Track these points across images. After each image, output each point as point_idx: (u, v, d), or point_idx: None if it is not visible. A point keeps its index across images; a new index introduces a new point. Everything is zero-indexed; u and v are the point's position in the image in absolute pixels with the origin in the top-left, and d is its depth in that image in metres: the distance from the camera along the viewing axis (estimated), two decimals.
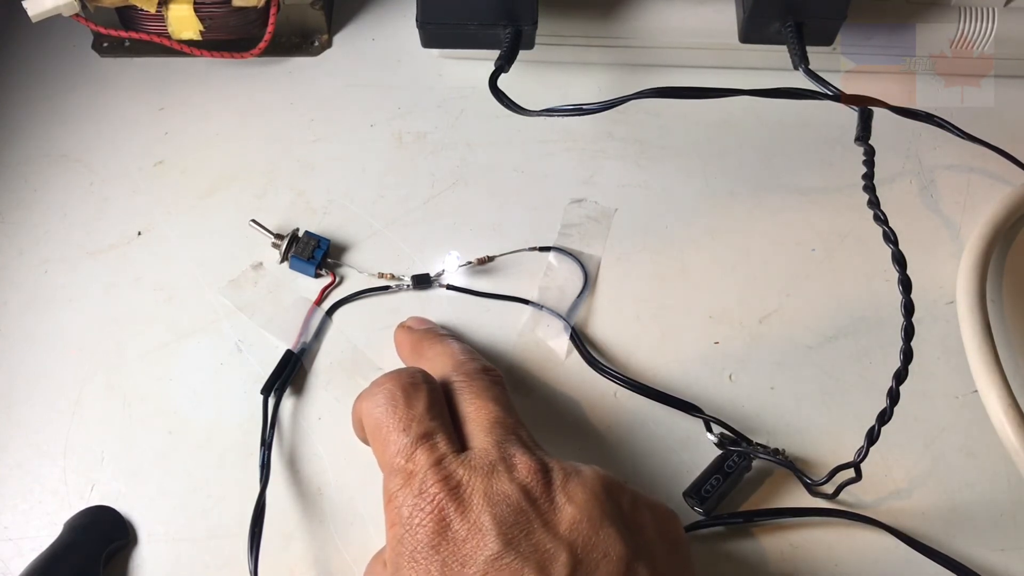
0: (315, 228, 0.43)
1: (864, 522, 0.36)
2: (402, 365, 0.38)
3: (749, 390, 0.39)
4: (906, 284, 0.34)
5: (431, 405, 0.30)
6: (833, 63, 0.46)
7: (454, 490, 0.28)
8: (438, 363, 0.34)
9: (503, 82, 0.42)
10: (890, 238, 0.35)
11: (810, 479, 0.36)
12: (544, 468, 0.29)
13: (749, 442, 0.38)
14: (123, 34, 0.47)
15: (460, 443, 0.30)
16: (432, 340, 0.37)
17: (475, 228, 0.44)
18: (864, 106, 0.39)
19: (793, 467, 0.37)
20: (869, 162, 0.39)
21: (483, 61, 0.44)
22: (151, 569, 0.36)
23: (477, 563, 0.26)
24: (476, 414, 0.31)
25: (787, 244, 0.43)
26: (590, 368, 0.40)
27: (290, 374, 0.39)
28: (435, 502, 0.28)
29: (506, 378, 0.34)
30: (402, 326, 0.39)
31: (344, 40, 0.51)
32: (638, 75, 0.48)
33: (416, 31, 0.43)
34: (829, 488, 0.36)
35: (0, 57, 0.50)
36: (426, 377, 0.32)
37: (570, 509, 0.28)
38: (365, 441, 0.32)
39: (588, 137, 0.47)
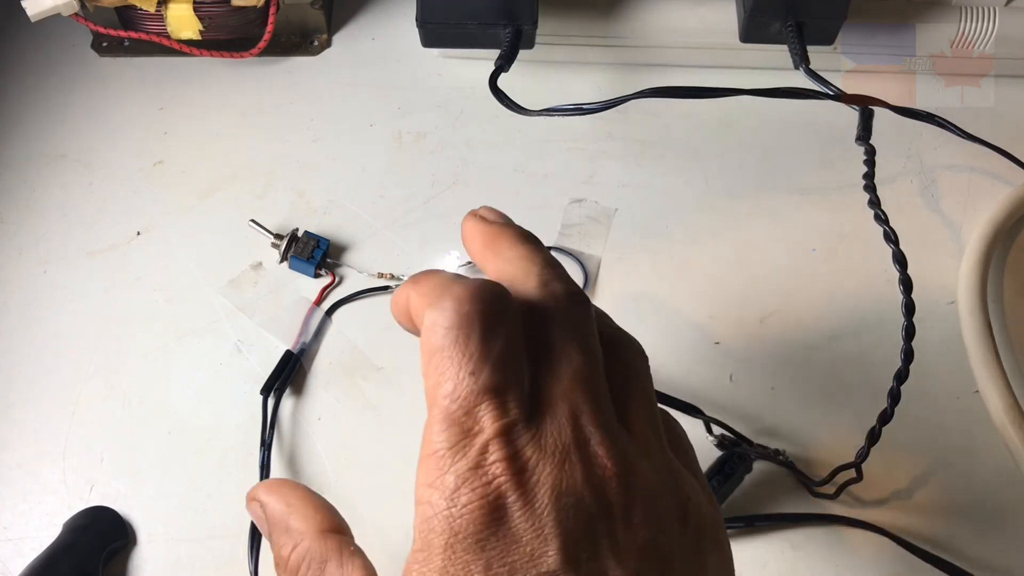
0: (315, 228, 0.43)
1: (865, 528, 0.36)
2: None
3: (749, 390, 0.39)
4: (907, 284, 0.34)
5: (511, 346, 0.23)
6: (834, 63, 0.46)
7: (519, 474, 0.22)
8: (520, 269, 0.26)
9: (503, 82, 0.42)
10: (891, 238, 0.35)
11: (811, 480, 0.36)
12: (625, 469, 0.23)
13: (750, 443, 0.37)
14: (122, 34, 0.47)
15: (531, 400, 0.23)
16: (514, 239, 0.28)
17: None
18: (865, 106, 0.39)
19: (794, 468, 0.37)
20: (870, 162, 0.39)
21: (483, 61, 0.44)
22: (151, 569, 0.36)
23: (528, 574, 0.21)
24: (555, 360, 0.24)
25: (787, 244, 0.43)
26: None
27: (290, 374, 0.39)
28: (494, 484, 0.21)
29: None
30: (473, 214, 0.31)
31: (344, 40, 0.50)
32: (638, 75, 0.48)
33: (416, 31, 0.43)
34: (830, 489, 0.36)
35: (0, 57, 0.50)
36: (510, 301, 0.24)
37: (643, 533, 0.22)
38: (406, 327, 0.26)
39: (588, 137, 0.46)
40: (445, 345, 0.23)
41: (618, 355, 0.26)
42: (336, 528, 0.27)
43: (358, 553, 0.26)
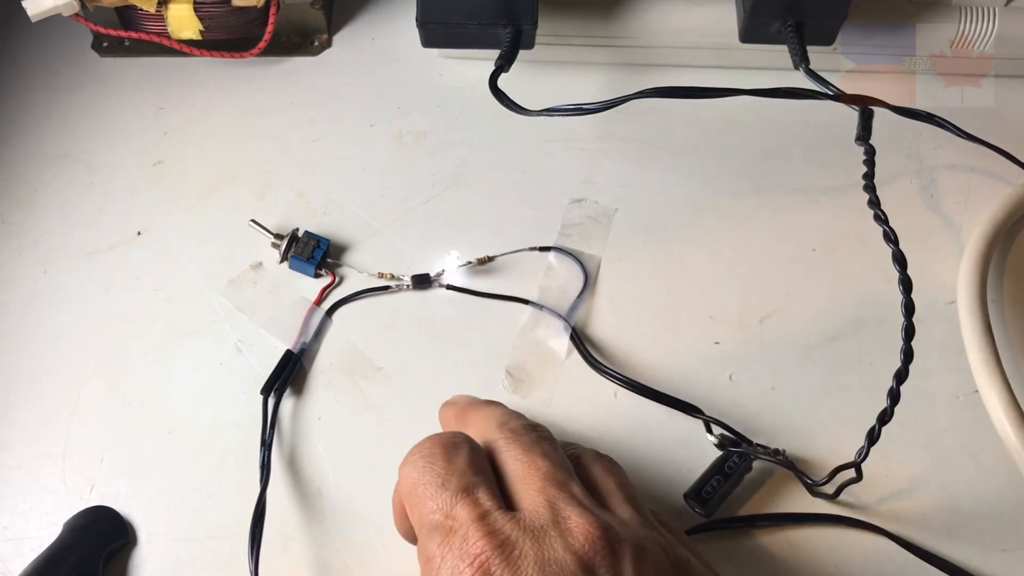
0: (315, 228, 0.43)
1: (865, 528, 0.36)
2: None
3: (749, 390, 0.39)
4: (906, 284, 0.34)
5: (472, 461, 0.27)
6: (833, 63, 0.46)
7: (501, 548, 0.24)
8: (482, 425, 0.31)
9: (503, 82, 0.42)
10: (890, 238, 0.35)
11: (811, 479, 0.36)
12: (608, 536, 0.25)
13: (749, 443, 0.37)
14: (123, 34, 0.47)
15: (506, 503, 0.26)
16: (476, 405, 0.33)
17: (475, 228, 0.44)
18: (864, 106, 0.39)
19: (794, 467, 0.37)
20: (869, 162, 0.39)
21: (483, 61, 0.44)
22: (151, 569, 0.36)
23: None
24: (523, 471, 0.27)
25: (787, 244, 0.43)
26: (590, 368, 0.40)
27: (290, 374, 0.39)
28: (479, 561, 0.24)
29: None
30: (445, 403, 0.36)
31: (344, 40, 0.50)
32: (638, 75, 0.48)
33: (416, 31, 0.43)
34: (830, 488, 0.36)
35: (0, 57, 0.50)
36: (466, 438, 0.28)
37: None
38: (407, 533, 0.30)
39: (588, 137, 0.47)
40: (416, 478, 0.27)
41: (590, 468, 0.29)
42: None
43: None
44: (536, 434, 0.29)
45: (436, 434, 0.29)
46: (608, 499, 0.28)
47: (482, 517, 0.25)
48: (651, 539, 0.26)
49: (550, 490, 0.26)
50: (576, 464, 0.29)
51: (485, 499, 0.26)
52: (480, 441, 0.29)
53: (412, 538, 0.28)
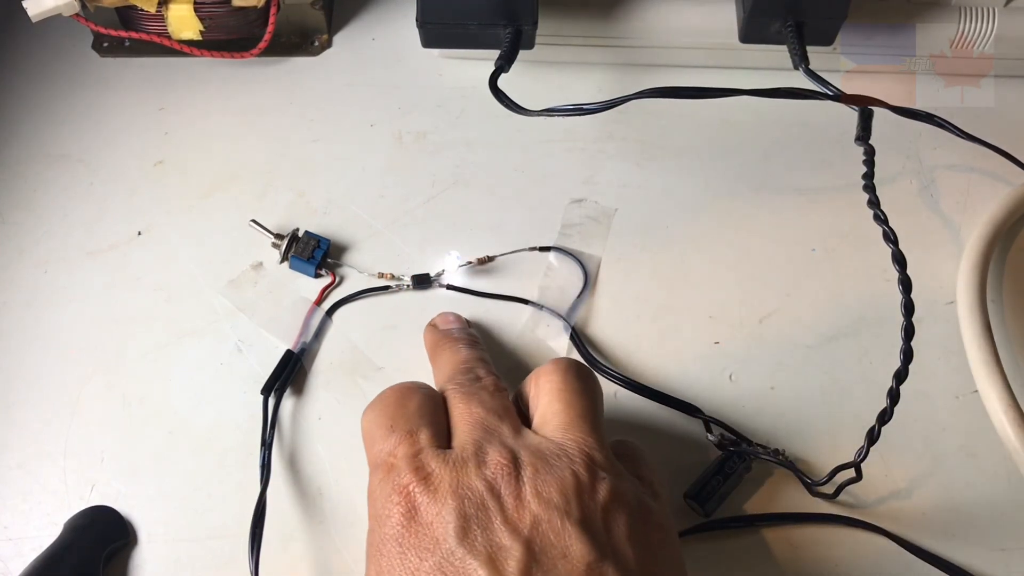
0: (315, 228, 0.43)
1: (865, 528, 0.36)
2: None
3: (749, 390, 0.39)
4: (906, 284, 0.34)
5: (420, 406, 0.31)
6: (833, 63, 0.46)
7: (423, 480, 0.28)
8: (444, 369, 0.35)
9: (503, 82, 0.42)
10: (890, 238, 0.35)
11: (810, 479, 0.36)
12: (515, 461, 0.28)
13: (749, 443, 0.37)
14: (123, 34, 0.47)
15: (447, 444, 0.30)
16: (444, 344, 0.37)
17: (475, 228, 0.44)
18: (864, 106, 0.39)
19: (793, 467, 0.37)
20: (869, 162, 0.39)
21: (483, 61, 0.44)
22: (151, 569, 0.36)
23: (435, 556, 0.26)
24: (460, 417, 0.31)
25: (787, 244, 0.43)
26: (590, 368, 0.39)
27: (290, 374, 0.39)
28: (404, 492, 0.28)
29: (506, 379, 0.34)
30: (431, 322, 0.39)
31: (344, 40, 0.51)
32: (638, 75, 0.48)
33: (416, 31, 0.43)
34: (829, 488, 0.36)
35: (0, 57, 0.50)
36: (422, 385, 0.32)
37: (534, 505, 0.27)
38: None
39: (588, 137, 0.47)
40: (370, 421, 0.31)
41: (541, 399, 0.32)
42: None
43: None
44: (478, 384, 0.32)
45: (394, 385, 0.32)
46: (543, 427, 0.31)
47: (416, 455, 0.29)
48: (558, 456, 0.29)
49: (478, 432, 0.30)
50: (525, 398, 0.33)
51: (423, 439, 0.29)
52: (438, 384, 0.34)
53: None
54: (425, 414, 0.31)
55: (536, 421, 0.31)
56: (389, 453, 0.29)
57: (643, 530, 0.28)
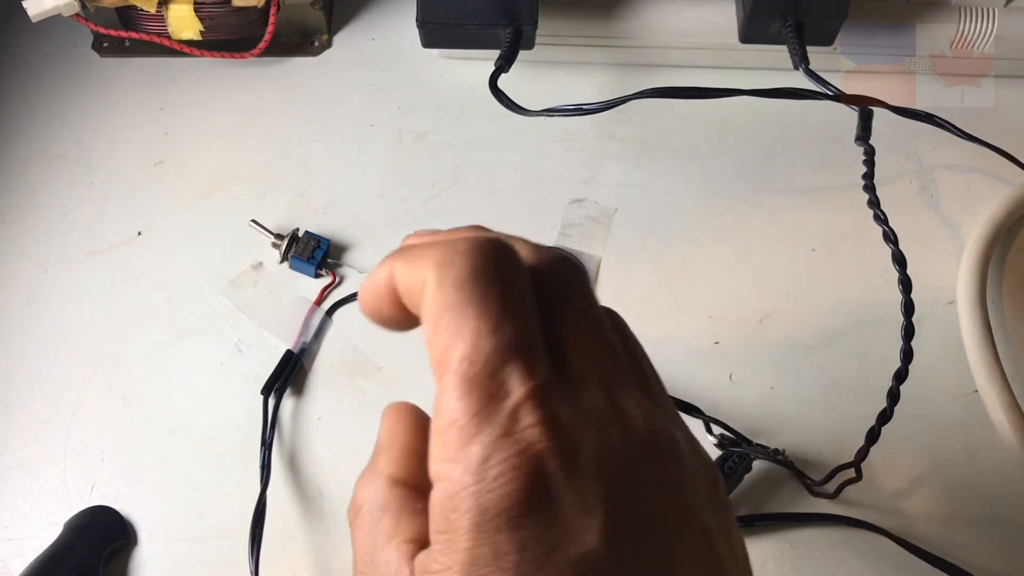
0: (315, 228, 0.43)
1: (865, 528, 0.36)
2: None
3: (749, 390, 0.39)
4: (906, 284, 0.34)
5: (529, 303, 0.20)
6: (833, 63, 0.46)
7: (559, 440, 0.18)
8: (528, 246, 0.22)
9: (503, 82, 0.42)
10: (890, 238, 0.35)
11: (811, 479, 0.36)
12: (666, 439, 0.20)
13: (749, 442, 0.37)
14: (123, 34, 0.47)
15: (556, 364, 0.20)
16: (459, 230, 0.23)
17: None
18: (864, 106, 0.39)
19: (793, 467, 0.37)
20: (869, 162, 0.39)
21: (483, 61, 0.44)
22: (151, 569, 0.36)
23: (567, 558, 0.18)
24: (577, 328, 0.21)
25: (787, 244, 0.43)
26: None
27: (290, 374, 0.39)
28: (532, 452, 0.18)
29: None
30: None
31: (344, 40, 0.50)
32: (638, 75, 0.48)
33: (416, 31, 0.43)
34: (830, 488, 0.36)
35: (0, 57, 0.50)
36: (521, 259, 0.21)
37: (706, 517, 0.20)
38: (386, 315, 0.22)
39: (588, 137, 0.47)
40: (458, 302, 0.19)
41: (622, 330, 0.24)
42: (411, 481, 0.23)
43: (421, 513, 0.21)
44: (579, 273, 0.22)
45: (488, 240, 0.20)
46: (650, 388, 0.23)
47: (539, 391, 0.19)
48: (688, 443, 0.21)
49: (604, 362, 0.21)
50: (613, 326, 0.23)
51: (542, 367, 0.19)
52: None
53: (386, 321, 0.22)
54: (533, 315, 0.20)
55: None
56: (491, 375, 0.19)
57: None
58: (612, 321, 0.23)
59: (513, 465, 0.18)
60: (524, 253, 0.21)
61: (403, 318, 0.21)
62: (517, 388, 0.18)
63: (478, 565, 0.18)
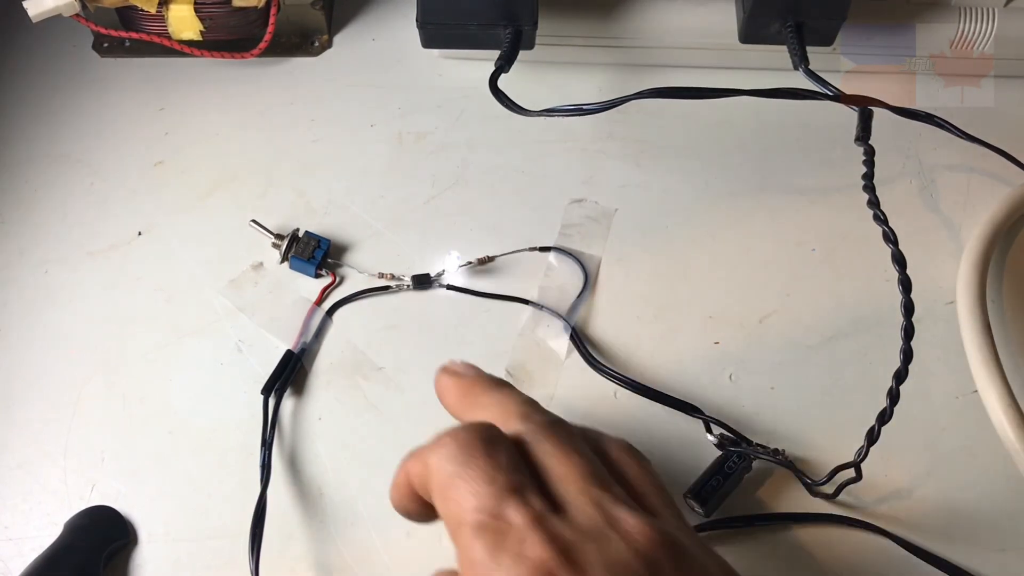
0: (315, 228, 0.43)
1: (865, 528, 0.36)
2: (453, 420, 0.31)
3: (749, 390, 0.39)
4: (906, 284, 0.34)
5: (514, 458, 0.25)
6: (833, 63, 0.46)
7: (565, 552, 0.22)
8: (499, 412, 0.28)
9: (503, 82, 0.42)
10: (890, 238, 0.35)
11: (810, 479, 0.36)
12: (667, 539, 0.23)
13: (749, 442, 0.38)
14: (123, 34, 0.47)
15: (549, 503, 0.24)
16: (488, 386, 0.30)
17: (475, 228, 0.44)
18: (864, 106, 0.39)
19: (793, 467, 0.37)
20: (869, 162, 0.39)
21: (483, 61, 0.44)
22: (151, 569, 0.36)
23: None
24: (561, 468, 0.25)
25: (787, 244, 0.43)
26: (590, 368, 0.40)
27: (290, 374, 0.39)
28: (544, 567, 0.22)
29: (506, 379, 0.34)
30: (445, 370, 0.31)
31: (344, 40, 0.51)
32: (638, 75, 0.48)
33: (416, 31, 0.43)
34: (829, 488, 0.36)
35: (0, 57, 0.50)
36: (502, 433, 0.26)
37: None
38: (414, 511, 0.27)
39: (588, 137, 0.47)
40: (455, 471, 0.24)
41: (621, 463, 0.27)
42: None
43: None
44: (566, 429, 0.27)
45: (469, 425, 0.26)
46: (645, 499, 0.26)
47: (538, 520, 0.23)
48: (695, 544, 0.24)
49: (593, 490, 0.24)
50: (603, 457, 0.27)
51: (535, 500, 0.23)
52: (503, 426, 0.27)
53: (413, 515, 0.27)
54: (522, 468, 0.25)
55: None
56: (495, 516, 0.23)
57: None
58: (621, 447, 0.28)
59: None
60: (514, 426, 0.26)
61: (427, 510, 0.26)
62: (519, 519, 0.23)
63: None
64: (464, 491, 0.24)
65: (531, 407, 0.28)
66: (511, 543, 0.22)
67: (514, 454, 0.25)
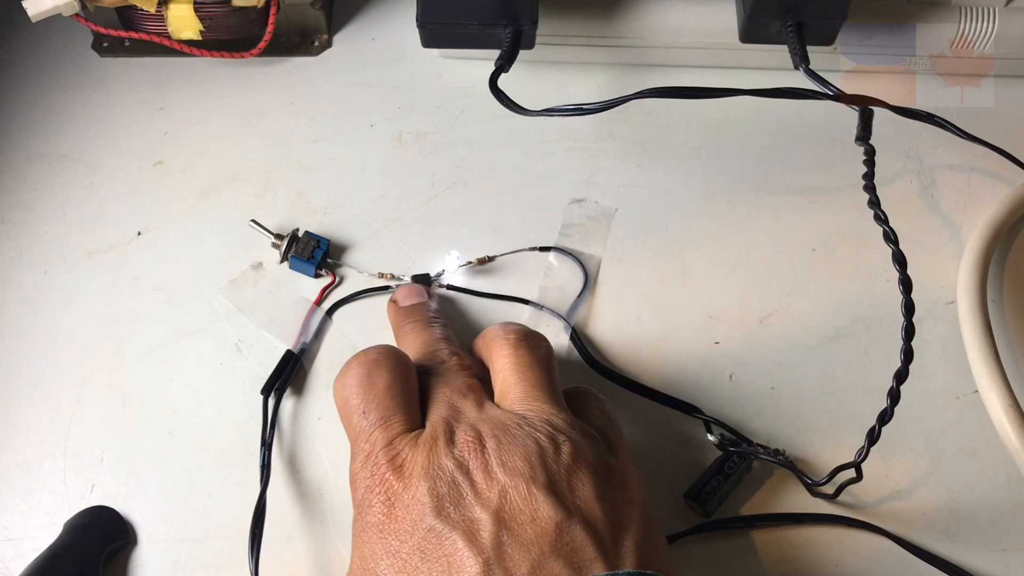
0: (315, 228, 0.43)
1: (865, 528, 0.36)
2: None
3: (749, 390, 0.39)
4: (906, 284, 0.34)
5: (391, 384, 0.32)
6: (833, 63, 0.46)
7: (399, 468, 0.29)
8: (409, 350, 0.36)
9: (503, 82, 0.42)
10: (890, 238, 0.35)
11: (811, 479, 0.36)
12: (479, 436, 0.30)
13: (749, 443, 0.37)
14: (123, 34, 0.47)
15: (420, 422, 0.31)
16: (407, 325, 0.38)
17: (475, 228, 0.44)
18: (864, 106, 0.39)
19: (794, 467, 0.37)
20: (869, 162, 0.39)
21: (483, 61, 0.44)
22: (151, 569, 0.36)
23: (414, 537, 0.27)
24: (429, 399, 0.32)
25: (787, 244, 0.43)
26: (590, 368, 0.40)
27: (290, 374, 0.39)
28: (382, 482, 0.29)
29: None
30: (391, 299, 0.40)
31: (344, 40, 0.51)
32: (638, 75, 0.48)
33: (416, 31, 0.43)
34: (830, 488, 0.36)
35: (0, 57, 0.50)
36: (390, 354, 0.33)
37: (501, 476, 0.28)
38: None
39: (588, 137, 0.47)
40: (345, 400, 0.32)
41: (508, 372, 0.33)
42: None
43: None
44: (443, 366, 0.34)
45: (364, 351, 0.33)
46: (503, 400, 0.32)
47: (390, 442, 0.30)
48: (519, 426, 0.30)
49: (445, 411, 0.31)
50: (499, 369, 0.33)
51: (396, 424, 0.31)
52: (412, 358, 0.34)
53: None
54: (396, 394, 0.32)
55: (497, 396, 0.33)
56: (366, 439, 0.30)
57: (607, 487, 0.29)
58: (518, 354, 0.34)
59: (374, 493, 0.29)
60: (415, 354, 0.35)
61: None
62: (379, 444, 0.30)
63: (367, 557, 0.29)
64: (350, 415, 0.32)
65: (432, 349, 0.35)
66: (370, 462, 0.30)
67: (394, 379, 0.32)
